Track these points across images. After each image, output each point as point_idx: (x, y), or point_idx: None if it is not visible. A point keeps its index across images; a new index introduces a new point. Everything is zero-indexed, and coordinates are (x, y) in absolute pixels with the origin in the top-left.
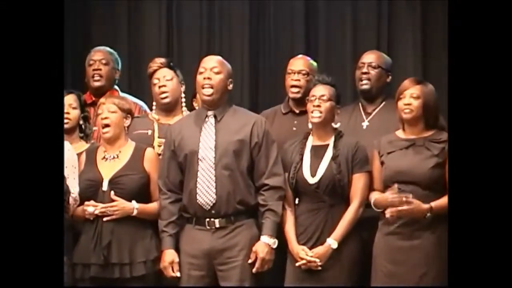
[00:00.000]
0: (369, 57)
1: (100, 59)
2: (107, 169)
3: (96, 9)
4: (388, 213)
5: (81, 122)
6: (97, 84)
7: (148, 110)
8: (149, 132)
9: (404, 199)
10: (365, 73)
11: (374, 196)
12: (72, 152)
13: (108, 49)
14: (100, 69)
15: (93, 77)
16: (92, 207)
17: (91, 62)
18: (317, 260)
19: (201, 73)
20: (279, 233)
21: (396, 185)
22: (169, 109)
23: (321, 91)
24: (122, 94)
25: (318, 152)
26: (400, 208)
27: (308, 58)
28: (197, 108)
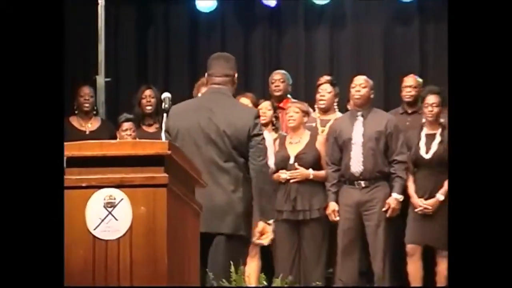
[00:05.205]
0: None
1: (279, 79)
2: (293, 150)
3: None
4: None
5: (273, 120)
6: (277, 94)
7: (311, 111)
8: (314, 124)
9: None
10: None
11: None
12: (268, 138)
13: (283, 71)
14: (279, 86)
15: (274, 90)
16: (284, 174)
17: (273, 81)
18: (429, 207)
19: (353, 87)
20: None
21: None
22: (325, 110)
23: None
24: (293, 100)
25: (430, 137)
26: None
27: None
28: (350, 109)
